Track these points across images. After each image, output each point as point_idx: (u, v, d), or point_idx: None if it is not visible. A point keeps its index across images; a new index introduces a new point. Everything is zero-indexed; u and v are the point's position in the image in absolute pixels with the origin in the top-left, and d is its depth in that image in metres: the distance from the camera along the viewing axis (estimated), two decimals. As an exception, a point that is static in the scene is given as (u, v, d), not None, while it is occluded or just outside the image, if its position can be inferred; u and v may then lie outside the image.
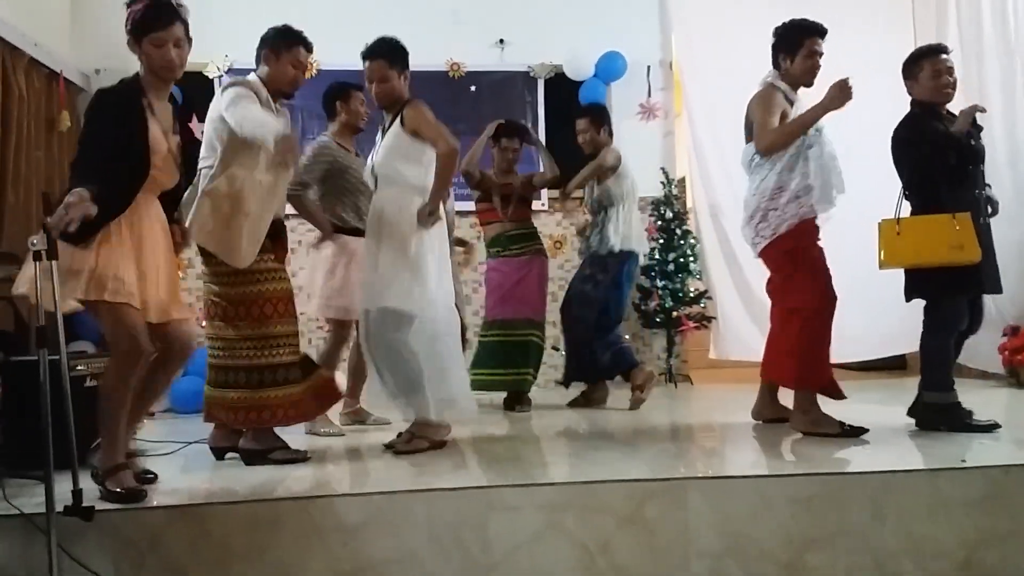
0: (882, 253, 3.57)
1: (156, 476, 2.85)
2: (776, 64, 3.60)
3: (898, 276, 4.29)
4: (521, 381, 4.52)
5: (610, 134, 4.68)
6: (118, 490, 2.53)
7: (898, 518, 2.57)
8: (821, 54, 3.52)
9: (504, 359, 4.49)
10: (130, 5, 2.62)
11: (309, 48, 3.20)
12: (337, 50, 5.53)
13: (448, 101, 5.57)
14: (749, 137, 3.63)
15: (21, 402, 3.01)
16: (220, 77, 5.55)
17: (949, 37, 5.63)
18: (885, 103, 4.67)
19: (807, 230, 3.50)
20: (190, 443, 3.58)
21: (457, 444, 3.46)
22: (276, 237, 3.12)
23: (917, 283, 3.58)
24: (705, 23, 5.91)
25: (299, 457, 3.13)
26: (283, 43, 3.14)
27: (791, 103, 3.55)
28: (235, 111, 2.91)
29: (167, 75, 2.65)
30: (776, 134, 3.41)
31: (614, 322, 4.63)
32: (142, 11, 2.59)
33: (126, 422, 2.65)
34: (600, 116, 4.67)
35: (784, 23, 3.60)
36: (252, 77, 3.16)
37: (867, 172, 4.34)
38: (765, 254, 3.58)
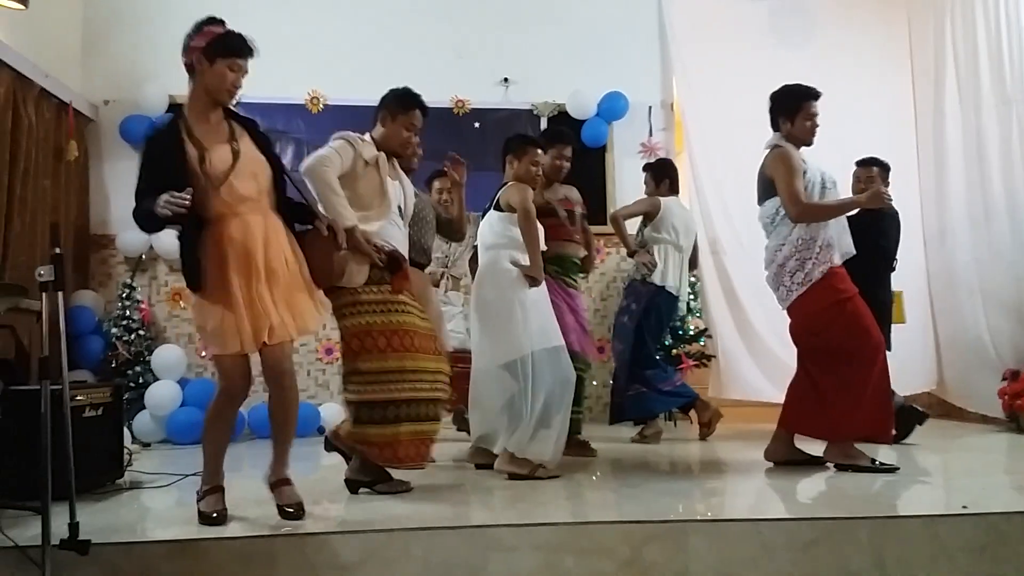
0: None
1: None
2: (776, 126, 3.68)
3: (912, 319, 4.52)
4: (577, 420, 4.14)
5: (671, 189, 5.01)
6: (205, 512, 2.67)
7: (899, 565, 2.54)
8: (817, 114, 3.64)
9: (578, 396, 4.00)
10: (207, 25, 2.69)
11: (425, 112, 3.28)
12: (344, 86, 5.66)
13: (453, 137, 5.63)
14: (764, 196, 3.67)
15: (19, 432, 2.99)
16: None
17: (947, 88, 5.72)
18: (883, 149, 4.77)
19: (844, 277, 3.57)
20: (186, 475, 3.56)
21: (455, 482, 3.45)
22: (395, 270, 3.09)
23: None
24: (705, 66, 6.00)
25: (402, 489, 3.17)
26: (400, 107, 3.23)
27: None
28: (316, 169, 2.97)
29: (226, 98, 2.73)
30: (814, 209, 3.53)
31: (646, 357, 4.81)
32: (226, 35, 2.69)
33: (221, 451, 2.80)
34: (661, 171, 5.05)
35: (780, 89, 3.69)
36: (366, 136, 3.21)
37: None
38: (802, 303, 3.56)
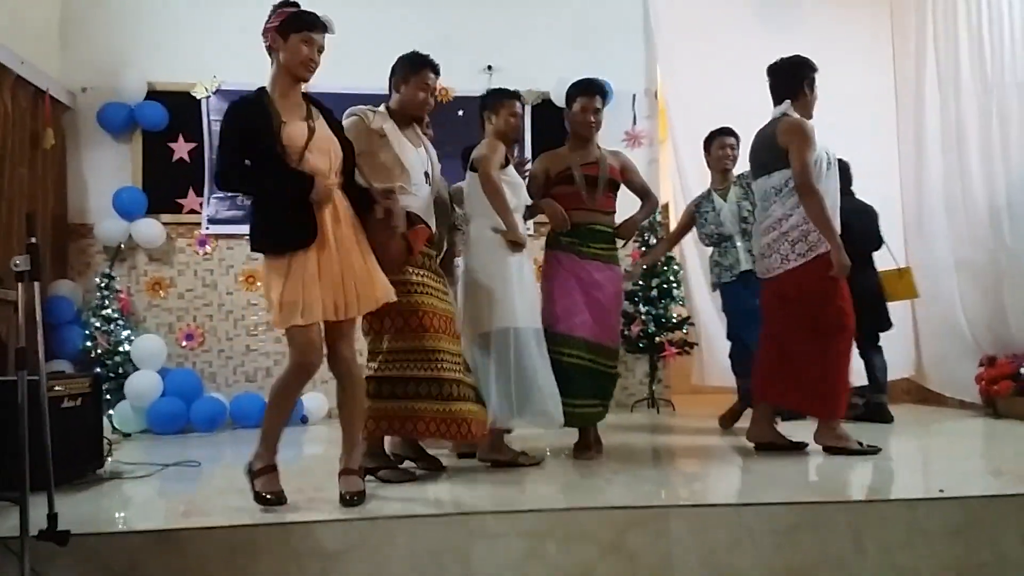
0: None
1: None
2: (791, 96, 3.63)
3: (891, 306, 4.57)
4: (601, 415, 3.79)
5: None
6: (264, 494, 2.66)
7: (879, 548, 2.57)
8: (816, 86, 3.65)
9: (599, 389, 3.74)
10: (281, 7, 2.77)
11: (436, 71, 3.30)
12: (328, 74, 5.56)
13: (436, 124, 5.56)
14: (774, 165, 3.57)
15: (-3, 422, 2.96)
16: (208, 98, 5.55)
17: (927, 74, 5.75)
18: (864, 137, 4.80)
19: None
20: (167, 465, 3.54)
21: (438, 470, 3.45)
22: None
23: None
24: (689, 54, 6.01)
25: (406, 478, 3.18)
26: (411, 68, 3.25)
27: None
28: None
29: (304, 73, 2.77)
30: (816, 198, 3.43)
31: None
32: (299, 12, 2.75)
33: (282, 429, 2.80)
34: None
35: (789, 60, 3.67)
36: (380, 107, 3.24)
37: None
38: (800, 273, 3.51)
